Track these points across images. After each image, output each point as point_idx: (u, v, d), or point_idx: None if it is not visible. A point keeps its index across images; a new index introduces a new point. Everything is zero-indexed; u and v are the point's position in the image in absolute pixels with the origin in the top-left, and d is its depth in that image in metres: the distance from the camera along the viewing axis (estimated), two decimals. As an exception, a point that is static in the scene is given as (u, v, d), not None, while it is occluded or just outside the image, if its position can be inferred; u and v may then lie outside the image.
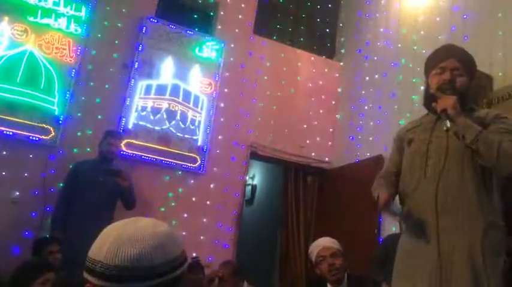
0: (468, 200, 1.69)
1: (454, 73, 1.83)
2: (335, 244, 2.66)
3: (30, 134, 4.17)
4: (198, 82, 5.02)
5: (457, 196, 1.71)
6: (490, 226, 1.67)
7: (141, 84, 4.77)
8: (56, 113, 4.30)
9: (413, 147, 1.89)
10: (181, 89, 4.92)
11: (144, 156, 4.62)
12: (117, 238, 0.89)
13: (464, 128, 1.68)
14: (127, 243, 0.88)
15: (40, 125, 4.22)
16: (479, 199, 1.69)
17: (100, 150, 3.88)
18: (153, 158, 4.65)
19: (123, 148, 4.53)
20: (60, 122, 4.31)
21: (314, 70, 5.81)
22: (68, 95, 4.39)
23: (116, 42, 4.78)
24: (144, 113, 4.72)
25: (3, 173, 4.03)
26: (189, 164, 4.79)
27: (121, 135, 4.03)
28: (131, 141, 4.59)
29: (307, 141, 5.51)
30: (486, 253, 1.63)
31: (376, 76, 5.12)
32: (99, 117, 4.48)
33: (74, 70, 4.46)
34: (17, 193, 4.02)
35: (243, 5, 5.55)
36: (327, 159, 5.55)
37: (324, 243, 2.66)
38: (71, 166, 3.89)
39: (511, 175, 1.66)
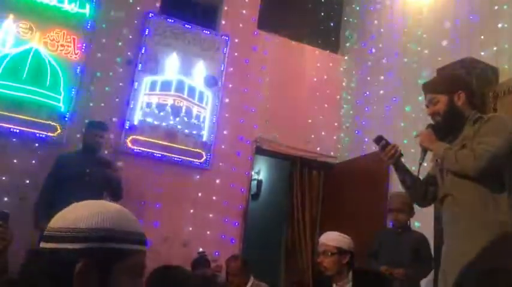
0: (470, 206, 1.80)
1: (430, 107, 2.02)
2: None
3: (36, 131, 4.20)
4: (202, 77, 5.03)
5: (462, 202, 1.84)
6: (497, 226, 1.71)
7: (146, 80, 4.78)
8: (62, 110, 4.33)
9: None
10: (186, 84, 4.93)
11: (150, 152, 4.63)
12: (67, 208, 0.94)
13: (436, 155, 1.94)
14: (72, 209, 0.92)
15: (46, 122, 4.25)
16: (482, 201, 1.76)
17: (85, 142, 3.79)
18: (159, 154, 4.67)
19: (129, 145, 4.56)
20: (66, 119, 4.34)
21: (319, 64, 5.78)
22: (73, 92, 4.42)
23: (120, 38, 4.79)
24: (149, 109, 4.73)
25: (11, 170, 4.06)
26: (194, 160, 4.80)
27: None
28: (137, 137, 4.61)
29: (312, 136, 5.50)
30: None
31: (381, 70, 5.10)
32: (105, 113, 4.50)
33: (79, 67, 4.49)
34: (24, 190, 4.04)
35: (246, 0, 5.53)
36: (332, 153, 5.54)
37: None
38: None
39: (476, 175, 1.78)
